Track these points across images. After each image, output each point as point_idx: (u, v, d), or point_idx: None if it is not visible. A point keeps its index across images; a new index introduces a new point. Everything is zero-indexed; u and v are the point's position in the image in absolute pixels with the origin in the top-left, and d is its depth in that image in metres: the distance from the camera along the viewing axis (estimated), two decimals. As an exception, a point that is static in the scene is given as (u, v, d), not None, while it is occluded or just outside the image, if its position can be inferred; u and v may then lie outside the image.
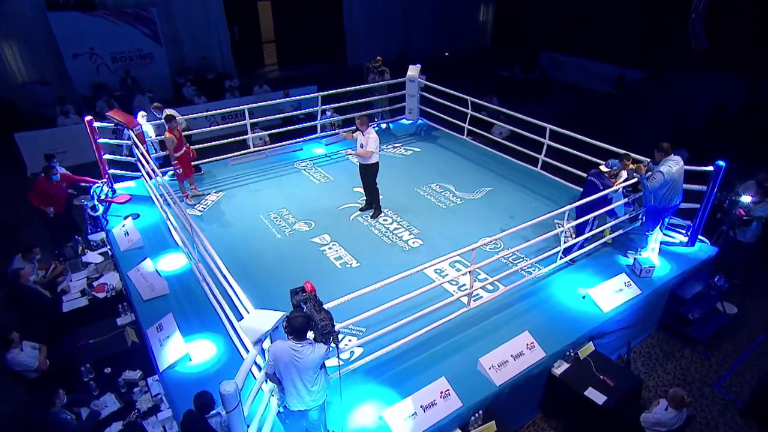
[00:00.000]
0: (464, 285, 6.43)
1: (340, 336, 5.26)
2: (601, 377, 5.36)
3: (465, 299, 5.90)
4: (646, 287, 6.36)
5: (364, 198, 8.16)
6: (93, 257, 7.38)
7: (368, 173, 7.75)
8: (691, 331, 6.54)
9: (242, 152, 9.64)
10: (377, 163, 7.69)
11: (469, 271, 5.63)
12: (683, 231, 7.17)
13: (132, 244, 7.18)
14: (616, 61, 16.50)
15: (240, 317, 5.01)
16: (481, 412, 4.89)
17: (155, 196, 7.99)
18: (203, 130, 10.04)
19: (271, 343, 3.95)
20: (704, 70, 13.59)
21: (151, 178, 8.05)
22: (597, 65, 17.27)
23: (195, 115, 9.73)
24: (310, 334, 3.94)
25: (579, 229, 6.69)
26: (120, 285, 6.77)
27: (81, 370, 5.50)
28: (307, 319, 3.76)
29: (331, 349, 3.94)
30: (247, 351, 4.95)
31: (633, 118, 12.88)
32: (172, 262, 6.80)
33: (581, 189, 8.45)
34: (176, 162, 7.99)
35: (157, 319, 5.71)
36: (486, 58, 20.59)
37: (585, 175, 8.23)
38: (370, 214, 8.00)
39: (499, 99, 13.50)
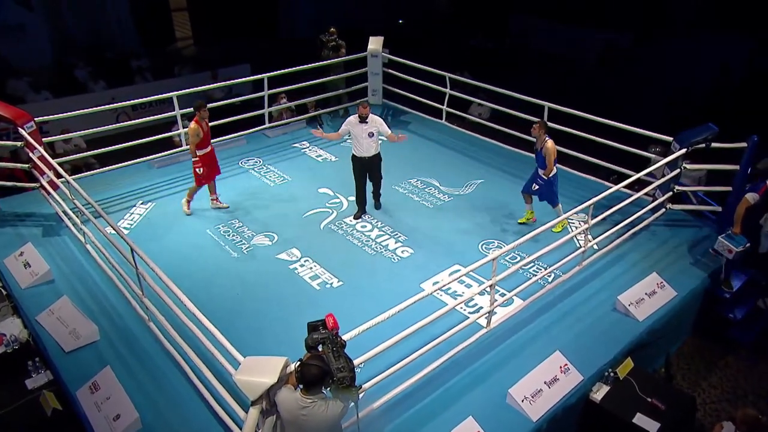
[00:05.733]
0: (472, 300, 6.36)
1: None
2: (649, 399, 5.39)
3: (483, 320, 5.80)
4: (682, 288, 6.53)
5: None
6: (-22, 300, 6.74)
7: None
8: (732, 334, 6.78)
9: (170, 152, 9.18)
10: (352, 155, 7.79)
11: (490, 286, 5.53)
12: (713, 217, 7.46)
13: (37, 278, 6.60)
14: (601, 24, 16.99)
15: (214, 366, 4.69)
16: (521, 457, 4.81)
17: (64, 212, 7.41)
18: (109, 127, 9.43)
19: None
20: (702, 31, 14.25)
21: (56, 189, 7.46)
22: (578, 31, 17.69)
23: (94, 109, 9.13)
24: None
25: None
26: (26, 335, 6.18)
27: (-20, 458, 4.97)
28: (324, 370, 3.53)
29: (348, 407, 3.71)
30: (226, 410, 4.63)
31: (625, 89, 13.38)
32: (99, 298, 6.32)
33: (590, 177, 8.75)
34: (197, 160, 7.54)
35: (90, 376, 5.23)
36: (446, 26, 20.73)
37: (595, 160, 8.53)
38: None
39: (471, 74, 13.60)
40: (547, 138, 7.13)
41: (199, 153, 7.54)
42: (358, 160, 7.72)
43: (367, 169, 7.80)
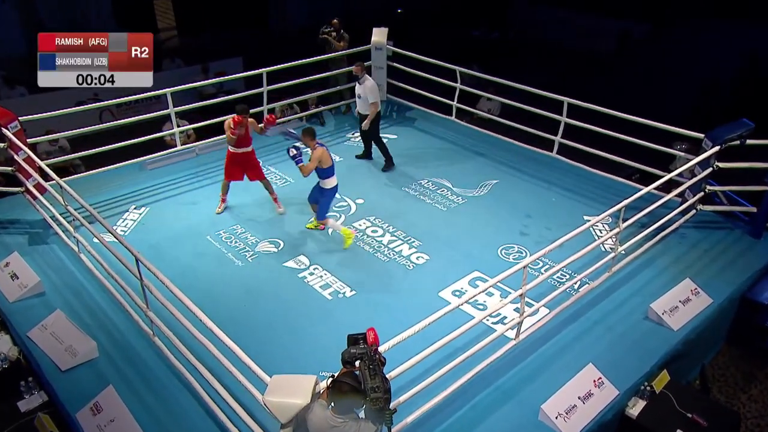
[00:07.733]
0: (496, 310, 6.33)
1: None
2: (689, 415, 5.38)
3: (510, 332, 5.78)
4: (717, 295, 6.54)
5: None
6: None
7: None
8: (770, 345, 6.81)
9: (164, 152, 9.14)
10: (379, 111, 9.12)
11: (519, 296, 5.52)
12: (745, 218, 7.49)
13: (27, 290, 6.48)
14: (615, 12, 17.01)
15: (227, 383, 4.63)
16: (559, 479, 4.80)
17: (52, 217, 7.33)
18: (96, 127, 9.30)
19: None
20: (727, 18, 14.28)
21: (42, 192, 7.38)
22: (590, 19, 17.72)
23: (74, 109, 9.05)
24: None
25: None
26: (16, 352, 6.10)
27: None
28: (355, 389, 3.50)
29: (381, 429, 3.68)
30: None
31: (644, 83, 13.41)
32: (95, 312, 6.25)
33: (611, 176, 8.77)
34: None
35: (90, 397, 5.14)
36: (442, 15, 20.71)
37: (615, 158, 8.55)
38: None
39: (480, 67, 13.60)
40: (317, 145, 7.04)
41: (232, 150, 7.68)
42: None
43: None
